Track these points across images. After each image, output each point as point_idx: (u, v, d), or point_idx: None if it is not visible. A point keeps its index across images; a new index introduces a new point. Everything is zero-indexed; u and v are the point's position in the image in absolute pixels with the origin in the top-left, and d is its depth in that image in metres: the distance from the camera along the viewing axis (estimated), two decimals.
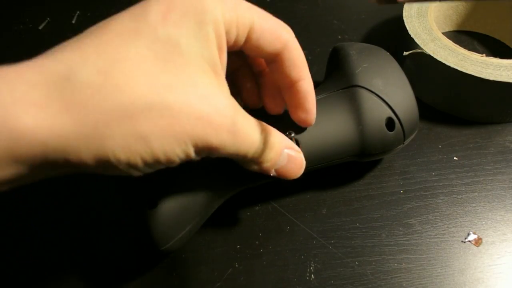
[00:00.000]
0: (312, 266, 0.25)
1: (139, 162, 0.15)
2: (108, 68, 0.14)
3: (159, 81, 0.15)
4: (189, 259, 0.26)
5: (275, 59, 0.20)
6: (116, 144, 0.15)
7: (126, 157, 0.15)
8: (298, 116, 0.22)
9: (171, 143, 0.16)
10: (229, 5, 0.17)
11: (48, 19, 0.45)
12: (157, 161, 0.16)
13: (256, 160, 0.20)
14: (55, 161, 0.14)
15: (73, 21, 0.45)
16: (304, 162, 0.22)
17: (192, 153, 0.17)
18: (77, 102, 0.14)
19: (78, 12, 0.46)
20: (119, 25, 0.16)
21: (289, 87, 0.21)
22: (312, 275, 0.25)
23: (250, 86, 0.23)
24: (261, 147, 0.19)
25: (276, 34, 0.19)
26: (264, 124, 0.20)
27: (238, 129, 0.18)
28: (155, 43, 0.15)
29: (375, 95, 0.24)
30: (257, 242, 0.26)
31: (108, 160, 0.15)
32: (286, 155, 0.21)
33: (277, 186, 0.29)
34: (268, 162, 0.20)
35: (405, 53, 0.32)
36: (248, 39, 0.18)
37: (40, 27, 0.44)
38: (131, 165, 0.15)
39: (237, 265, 0.25)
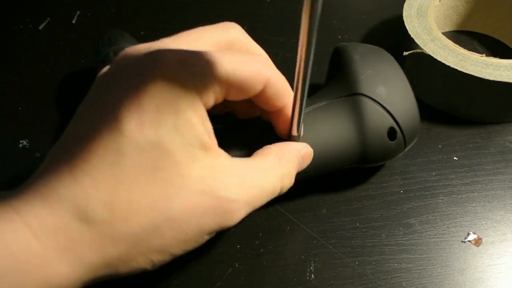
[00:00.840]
0: (312, 266, 0.25)
1: (162, 263, 0.17)
2: (110, 199, 0.15)
3: (156, 197, 0.15)
4: (189, 259, 0.26)
5: (257, 95, 0.19)
6: (140, 262, 0.16)
7: (151, 266, 0.17)
8: (284, 134, 0.22)
9: (186, 243, 0.17)
10: (199, 73, 0.16)
11: (48, 19, 0.45)
12: (175, 256, 0.17)
13: (286, 188, 0.20)
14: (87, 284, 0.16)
15: (73, 21, 0.45)
16: (311, 150, 0.22)
17: (209, 238, 0.17)
18: (96, 239, 0.15)
19: (78, 12, 0.46)
20: (98, 144, 0.15)
21: (273, 112, 0.21)
22: (312, 275, 0.25)
23: (239, 105, 0.23)
24: (284, 176, 0.20)
25: (255, 79, 0.18)
26: (271, 147, 0.20)
27: (256, 194, 0.18)
28: (140, 155, 0.15)
29: (378, 104, 0.24)
30: (257, 242, 0.26)
31: (137, 272, 0.17)
32: (301, 158, 0.21)
33: None
34: (293, 177, 0.21)
35: (405, 53, 0.32)
36: (227, 94, 0.18)
37: (40, 27, 0.44)
38: (155, 267, 0.17)
39: (237, 265, 0.25)
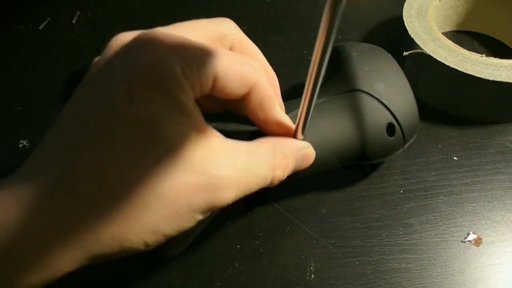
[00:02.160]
0: (312, 266, 0.25)
1: (155, 243, 0.17)
2: (99, 176, 0.15)
3: (146, 174, 0.15)
4: (189, 259, 0.26)
5: (242, 100, 0.19)
6: (133, 242, 0.16)
7: (145, 246, 0.16)
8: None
9: (178, 222, 0.16)
10: (188, 59, 0.16)
11: (48, 19, 0.45)
12: (168, 237, 0.17)
13: (277, 180, 0.20)
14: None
15: (73, 21, 0.45)
16: (313, 150, 0.22)
17: (201, 217, 0.17)
18: (88, 217, 0.15)
19: (78, 12, 0.46)
20: (88, 122, 0.15)
21: (260, 124, 0.21)
22: (312, 275, 0.25)
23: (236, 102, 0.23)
24: (277, 167, 0.19)
25: (243, 79, 0.18)
26: (270, 137, 0.20)
27: (247, 178, 0.18)
28: (130, 132, 0.15)
29: (376, 100, 0.24)
30: (257, 242, 0.26)
31: (131, 253, 0.16)
32: (300, 157, 0.21)
33: (277, 186, 0.29)
34: (286, 171, 0.20)
35: (405, 53, 0.32)
36: (213, 87, 0.17)
37: (40, 27, 0.44)
38: (149, 247, 0.17)
39: (237, 265, 0.25)
